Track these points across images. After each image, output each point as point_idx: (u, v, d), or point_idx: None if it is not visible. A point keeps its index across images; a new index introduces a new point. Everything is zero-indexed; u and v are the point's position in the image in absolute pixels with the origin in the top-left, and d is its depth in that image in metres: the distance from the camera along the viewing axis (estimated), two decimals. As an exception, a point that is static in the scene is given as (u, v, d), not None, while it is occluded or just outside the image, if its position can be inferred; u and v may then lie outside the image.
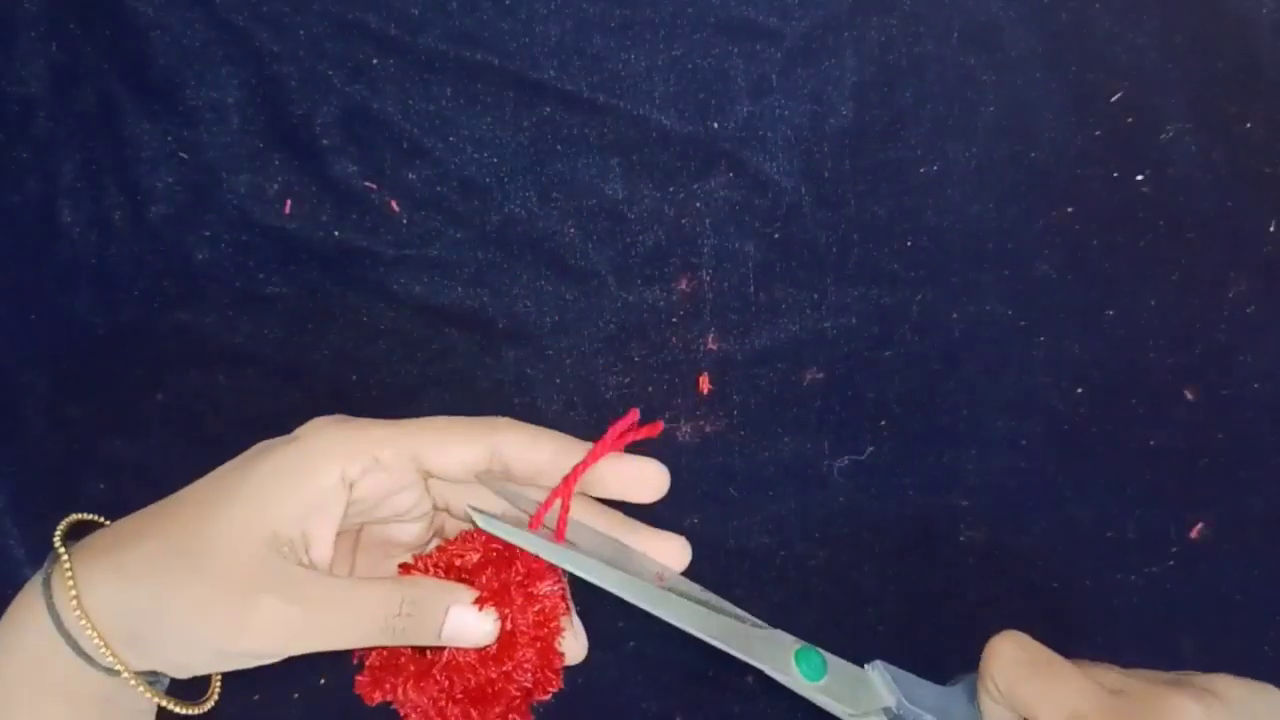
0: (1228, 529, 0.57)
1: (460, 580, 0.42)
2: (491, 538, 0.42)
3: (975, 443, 0.57)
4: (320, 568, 0.41)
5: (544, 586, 0.42)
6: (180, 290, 0.56)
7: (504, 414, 0.56)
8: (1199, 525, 0.57)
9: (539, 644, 0.42)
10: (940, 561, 0.58)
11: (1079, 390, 0.57)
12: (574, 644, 0.43)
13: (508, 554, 0.42)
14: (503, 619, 0.41)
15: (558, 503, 0.42)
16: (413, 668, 0.42)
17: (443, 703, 0.42)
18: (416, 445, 0.41)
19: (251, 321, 0.56)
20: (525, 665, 0.41)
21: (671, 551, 0.44)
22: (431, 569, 0.42)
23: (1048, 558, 0.58)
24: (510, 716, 0.42)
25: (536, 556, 0.41)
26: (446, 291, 0.57)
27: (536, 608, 0.42)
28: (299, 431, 0.42)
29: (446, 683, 0.41)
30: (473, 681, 0.41)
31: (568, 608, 0.43)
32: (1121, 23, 0.56)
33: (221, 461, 0.42)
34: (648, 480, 0.44)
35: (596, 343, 0.57)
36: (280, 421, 0.57)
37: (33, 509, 0.57)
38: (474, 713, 0.41)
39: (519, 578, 0.42)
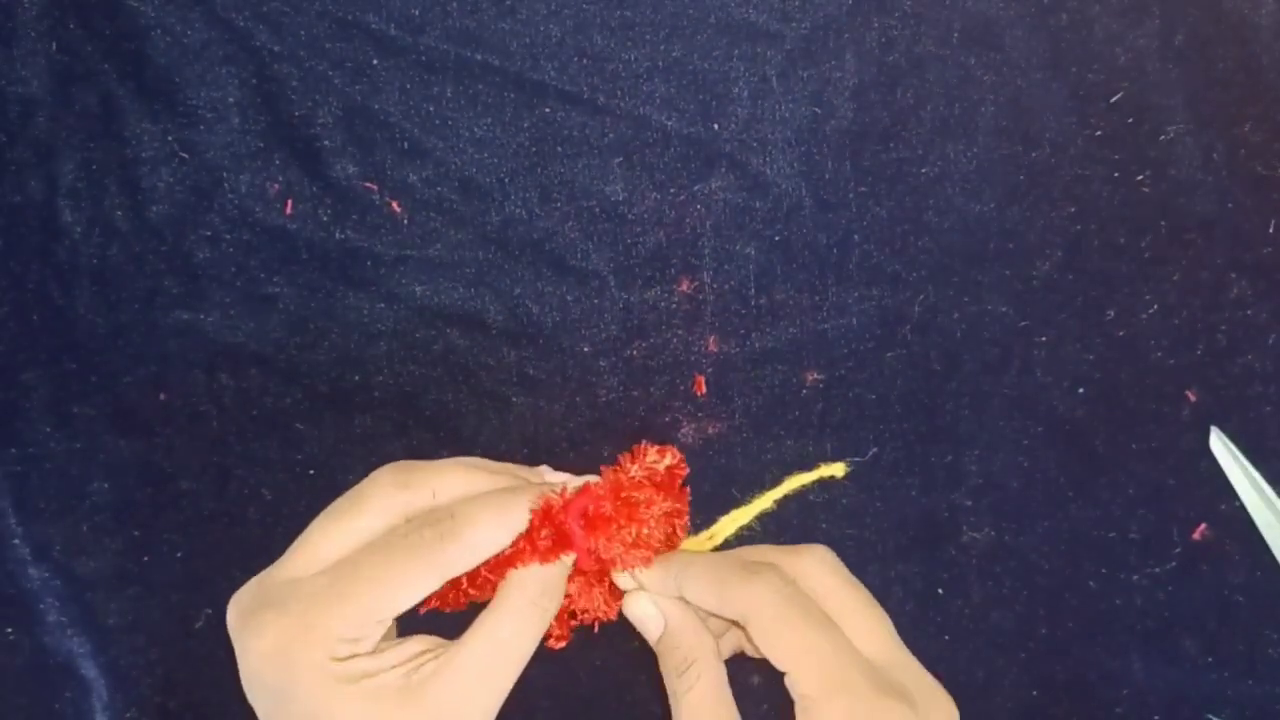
0: (1230, 530, 0.57)
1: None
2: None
3: (977, 443, 0.57)
4: None
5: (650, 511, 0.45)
6: (181, 290, 0.56)
7: (503, 414, 0.57)
8: (1201, 526, 0.57)
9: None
10: (943, 562, 0.58)
11: (1080, 390, 0.57)
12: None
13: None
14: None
15: None
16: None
17: None
18: None
19: (253, 321, 0.56)
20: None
21: None
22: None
23: (1050, 558, 0.58)
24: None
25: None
26: (447, 292, 0.57)
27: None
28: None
29: None
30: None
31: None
32: (1121, 23, 0.56)
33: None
34: None
35: (597, 344, 0.57)
36: (283, 421, 0.57)
37: (37, 509, 0.56)
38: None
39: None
